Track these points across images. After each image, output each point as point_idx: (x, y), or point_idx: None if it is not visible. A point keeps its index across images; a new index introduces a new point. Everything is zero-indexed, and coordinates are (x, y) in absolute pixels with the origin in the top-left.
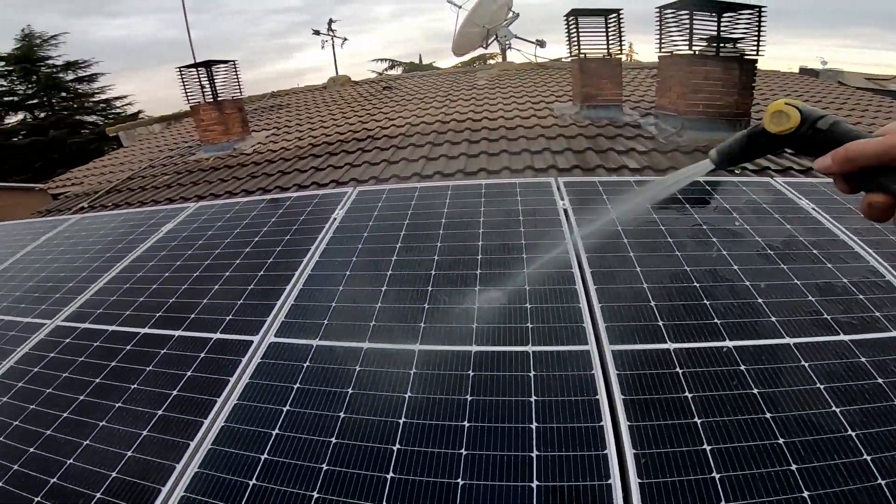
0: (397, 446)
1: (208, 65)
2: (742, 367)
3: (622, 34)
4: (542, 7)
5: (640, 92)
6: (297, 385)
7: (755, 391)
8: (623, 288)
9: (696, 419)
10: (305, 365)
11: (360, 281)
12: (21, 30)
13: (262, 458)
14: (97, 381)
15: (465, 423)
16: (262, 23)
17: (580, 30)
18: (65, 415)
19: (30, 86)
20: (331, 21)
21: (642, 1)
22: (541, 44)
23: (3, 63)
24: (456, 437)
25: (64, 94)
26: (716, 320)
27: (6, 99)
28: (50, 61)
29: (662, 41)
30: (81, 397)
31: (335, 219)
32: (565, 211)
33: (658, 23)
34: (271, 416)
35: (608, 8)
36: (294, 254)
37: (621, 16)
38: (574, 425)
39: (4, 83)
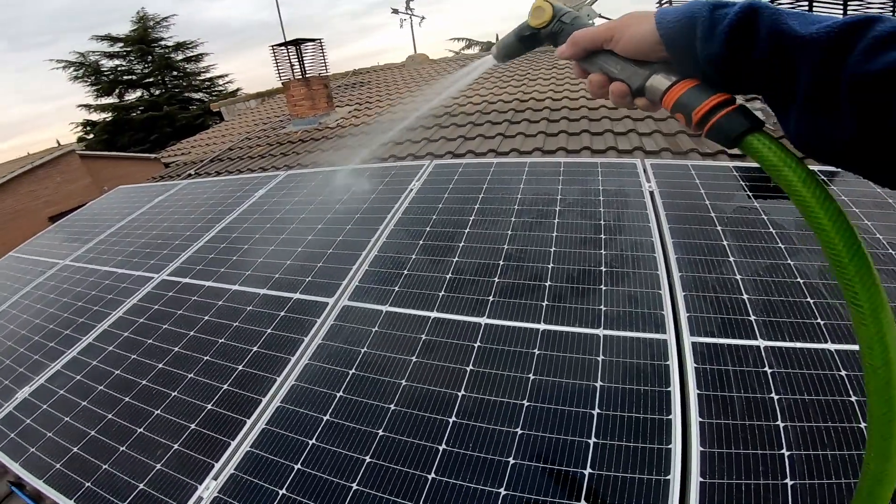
0: (453, 419)
1: (297, 43)
2: (842, 373)
3: None
4: None
5: None
6: (365, 349)
7: (853, 399)
8: (712, 277)
9: (779, 422)
10: (374, 330)
11: (432, 251)
12: (136, 12)
13: (325, 419)
14: (191, 334)
15: (525, 402)
16: (343, 3)
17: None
18: (159, 366)
19: (146, 65)
20: (408, 0)
21: None
22: None
23: (122, 44)
24: (513, 416)
25: (175, 72)
26: (819, 320)
27: (126, 77)
28: (162, 42)
29: None
30: (175, 349)
31: (411, 190)
32: (651, 193)
33: None
34: (337, 378)
35: None
36: (371, 221)
37: None
38: (639, 415)
39: (124, 63)
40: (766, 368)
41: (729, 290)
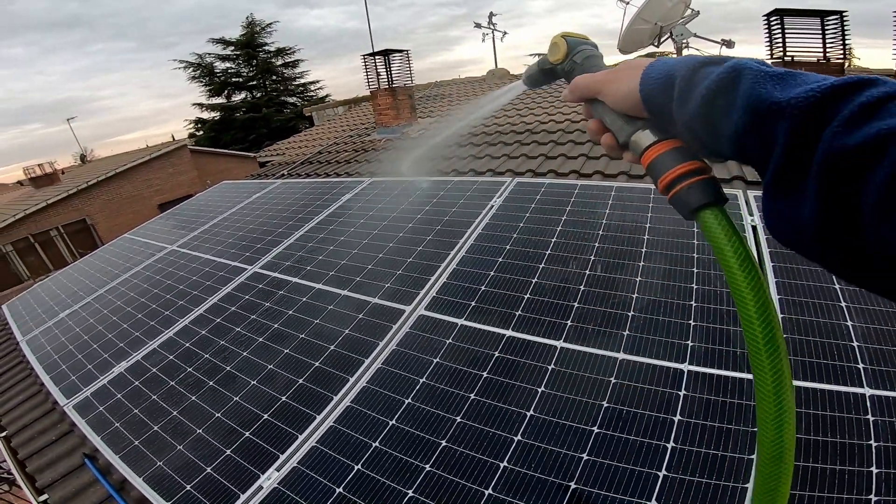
0: (518, 437)
1: (386, 53)
2: None
3: (846, 38)
4: (725, 5)
5: None
6: (437, 360)
7: None
8: (820, 322)
9: (873, 468)
10: (447, 342)
11: (510, 269)
12: (246, 17)
13: (390, 423)
14: (275, 326)
15: (595, 429)
16: (427, 15)
17: (786, 31)
18: (244, 354)
19: (251, 69)
20: (491, 14)
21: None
22: (728, 44)
23: (232, 48)
24: (581, 440)
25: (274, 77)
26: None
27: (234, 80)
28: (266, 47)
29: None
30: (260, 339)
31: (492, 206)
32: (753, 227)
33: None
34: (408, 385)
35: (826, 10)
36: (451, 234)
37: (845, 18)
38: (718, 453)
39: (234, 66)
40: (869, 416)
41: (838, 335)
